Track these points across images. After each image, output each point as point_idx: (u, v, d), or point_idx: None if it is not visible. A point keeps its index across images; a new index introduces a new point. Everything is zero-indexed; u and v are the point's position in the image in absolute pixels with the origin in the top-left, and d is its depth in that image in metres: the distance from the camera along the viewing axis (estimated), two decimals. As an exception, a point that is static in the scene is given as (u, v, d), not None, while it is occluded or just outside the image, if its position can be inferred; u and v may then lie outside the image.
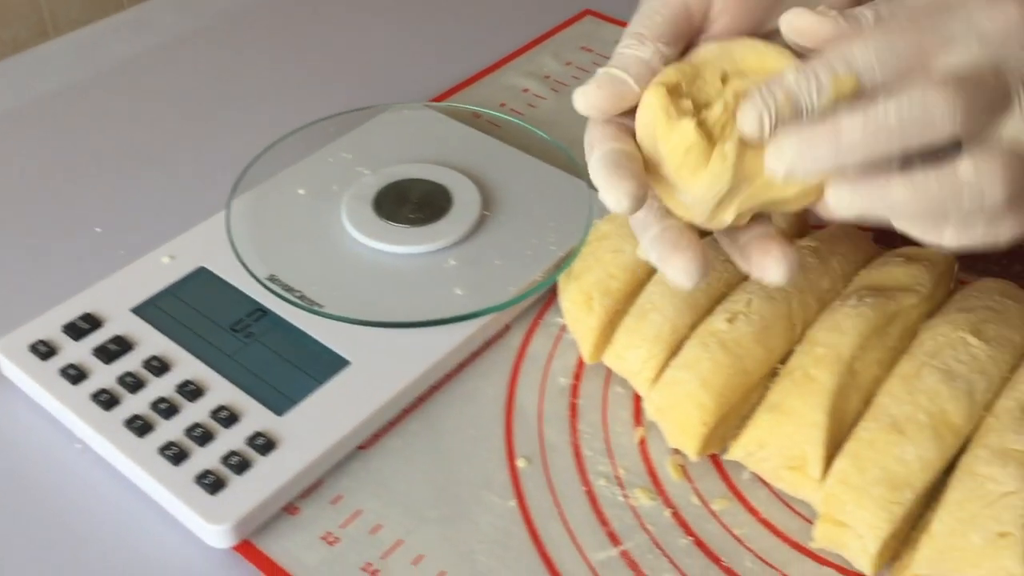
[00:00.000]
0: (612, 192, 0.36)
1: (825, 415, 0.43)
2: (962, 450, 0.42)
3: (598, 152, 0.38)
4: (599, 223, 0.54)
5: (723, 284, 0.50)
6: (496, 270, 0.53)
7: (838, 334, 0.44)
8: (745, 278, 0.50)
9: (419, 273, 0.53)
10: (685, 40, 0.40)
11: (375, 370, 0.49)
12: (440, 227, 0.55)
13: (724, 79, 0.37)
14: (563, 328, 0.53)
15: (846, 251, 0.50)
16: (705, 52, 0.39)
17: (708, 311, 0.49)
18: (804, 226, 0.54)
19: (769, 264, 0.38)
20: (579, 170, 0.59)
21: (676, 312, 0.48)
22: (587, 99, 0.38)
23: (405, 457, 0.48)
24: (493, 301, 0.51)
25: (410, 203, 0.57)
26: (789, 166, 0.34)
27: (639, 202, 0.36)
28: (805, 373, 0.44)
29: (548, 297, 0.55)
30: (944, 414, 0.42)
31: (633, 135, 0.38)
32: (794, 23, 0.36)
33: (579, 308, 0.51)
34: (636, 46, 0.39)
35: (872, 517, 0.41)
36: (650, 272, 0.51)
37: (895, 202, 0.34)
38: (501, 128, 0.65)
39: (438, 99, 0.71)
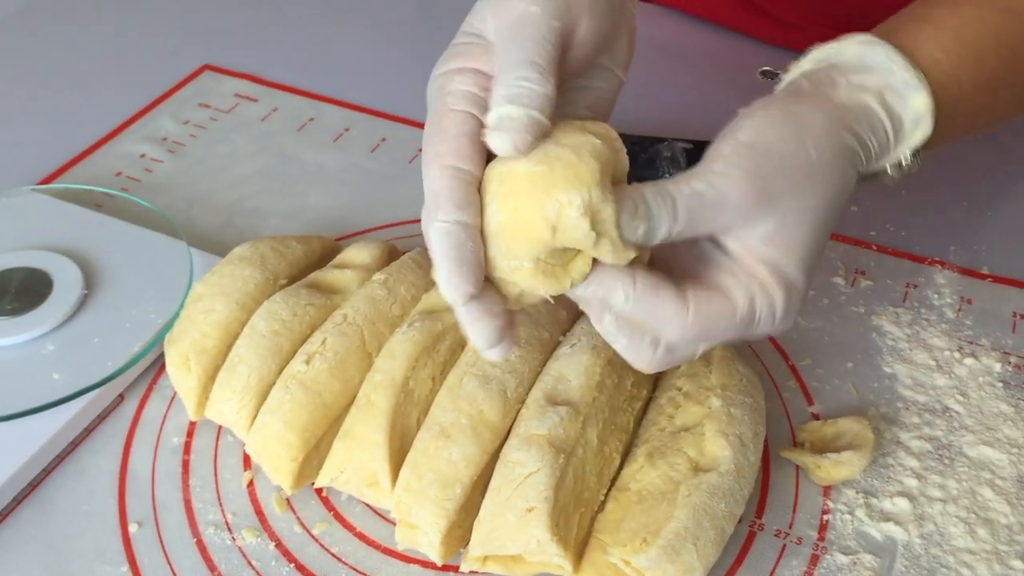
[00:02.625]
0: (451, 290, 0.39)
1: (385, 435, 0.48)
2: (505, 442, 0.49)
3: (441, 225, 0.38)
4: (196, 285, 0.57)
5: (307, 327, 0.54)
6: (95, 348, 0.55)
7: (392, 359, 0.50)
8: (326, 317, 0.55)
9: (18, 363, 0.55)
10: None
11: (-24, 469, 0.50)
12: (39, 313, 0.57)
13: None
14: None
15: (414, 279, 0.56)
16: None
17: (293, 354, 0.53)
18: (391, 261, 0.60)
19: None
20: (179, 232, 0.62)
21: (261, 361, 0.53)
22: (514, 143, 0.38)
23: (18, 547, 0.49)
24: (90, 380, 0.53)
25: (9, 294, 0.58)
26: None
27: (473, 301, 0.39)
28: (368, 399, 0.50)
29: (162, 362, 0.58)
30: (482, 415, 0.49)
31: (476, 158, 0.40)
32: None
33: (179, 370, 0.54)
34: (540, 81, 0.39)
35: (431, 515, 0.47)
36: (242, 327, 0.55)
37: None
38: (112, 200, 0.67)
39: (50, 177, 0.72)
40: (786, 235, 0.41)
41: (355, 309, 0.54)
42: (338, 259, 0.60)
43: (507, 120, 0.38)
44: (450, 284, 0.40)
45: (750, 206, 0.40)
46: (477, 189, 0.40)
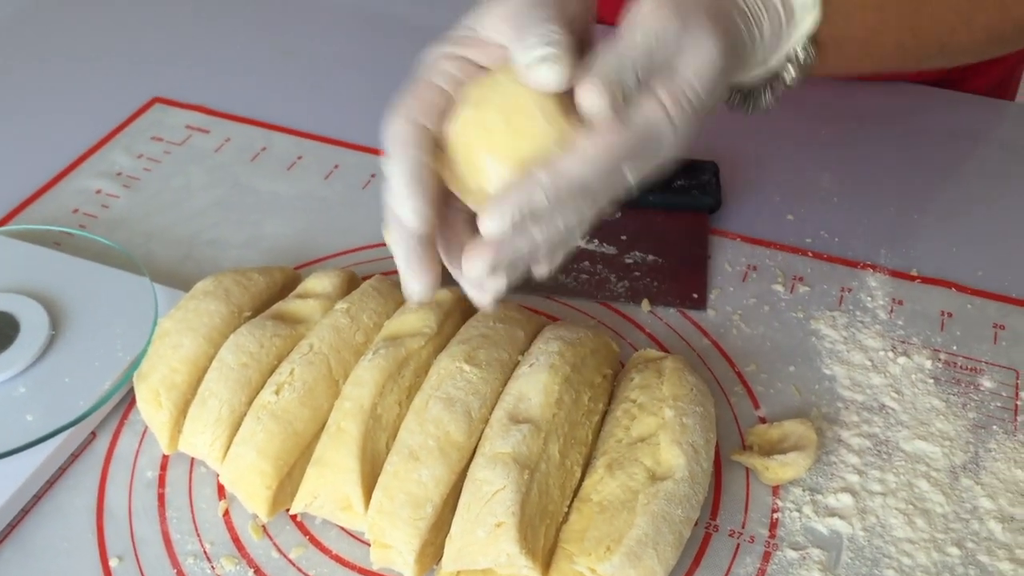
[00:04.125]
0: (407, 208, 0.44)
1: (356, 460, 0.51)
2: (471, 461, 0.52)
3: (399, 155, 0.44)
4: (162, 321, 0.59)
5: (274, 358, 0.56)
6: (66, 388, 0.57)
7: (359, 387, 0.53)
8: (292, 347, 0.57)
9: (-10, 407, 0.56)
10: None
11: (-46, 513, 0.51)
12: (7, 356, 0.58)
13: None
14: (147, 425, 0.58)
15: (376, 306, 0.59)
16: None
17: (262, 385, 0.55)
18: (352, 289, 0.62)
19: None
20: (140, 269, 0.64)
21: (231, 394, 0.54)
22: (561, 76, 0.42)
23: (-1, 587, 0.51)
24: (63, 420, 0.55)
25: (-24, 338, 0.59)
26: None
27: (427, 224, 0.44)
28: (338, 427, 0.52)
29: (131, 397, 0.59)
30: (448, 435, 0.51)
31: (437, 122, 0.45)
32: None
33: (151, 405, 0.56)
34: (565, 34, 0.43)
35: (404, 535, 0.49)
36: (210, 361, 0.56)
37: None
38: (71, 239, 0.68)
39: (6, 218, 0.73)
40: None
41: (320, 338, 0.56)
42: (300, 289, 0.62)
43: (552, 56, 0.42)
44: (406, 203, 0.44)
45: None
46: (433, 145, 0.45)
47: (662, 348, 0.64)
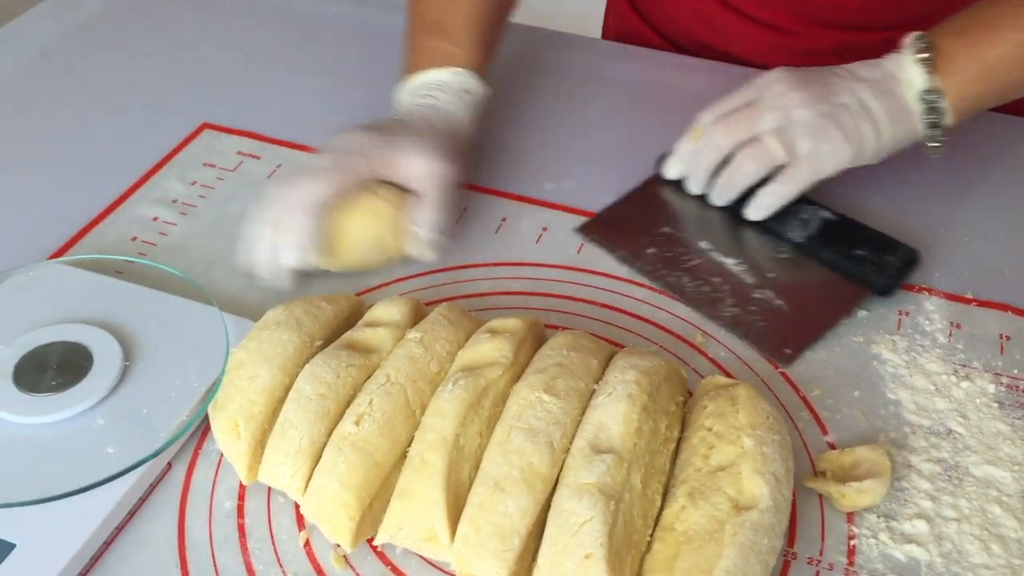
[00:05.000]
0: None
1: (442, 492, 0.51)
2: (555, 491, 0.52)
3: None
4: (234, 351, 0.59)
5: (350, 388, 0.57)
6: (144, 419, 0.57)
7: (441, 419, 0.53)
8: (368, 378, 0.57)
9: (70, 439, 0.56)
10: None
11: (42, 547, 0.52)
12: (84, 388, 0.58)
13: None
14: (222, 453, 0.59)
15: (448, 335, 0.59)
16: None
17: (340, 415, 0.56)
18: (420, 320, 0.62)
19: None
20: (208, 298, 0.64)
21: (311, 424, 0.55)
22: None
23: (88, 620, 0.51)
24: (144, 452, 0.55)
25: (51, 369, 0.59)
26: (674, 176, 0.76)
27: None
28: (422, 459, 0.52)
29: (205, 426, 0.60)
30: (532, 467, 0.51)
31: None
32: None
33: (228, 436, 0.56)
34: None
35: (492, 566, 0.49)
36: (287, 391, 0.57)
37: (719, 187, 0.74)
38: (132, 268, 0.69)
39: (65, 247, 0.73)
40: None
41: (396, 369, 0.57)
42: (368, 317, 0.63)
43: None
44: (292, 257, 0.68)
45: None
46: None
47: (725, 373, 0.64)
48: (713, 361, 0.65)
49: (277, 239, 0.67)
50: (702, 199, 0.76)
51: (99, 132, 0.86)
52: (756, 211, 0.72)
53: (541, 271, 0.72)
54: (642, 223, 0.75)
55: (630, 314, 0.69)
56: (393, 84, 0.79)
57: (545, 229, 0.76)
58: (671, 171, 0.76)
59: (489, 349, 0.57)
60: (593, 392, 0.56)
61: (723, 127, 0.71)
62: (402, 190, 0.71)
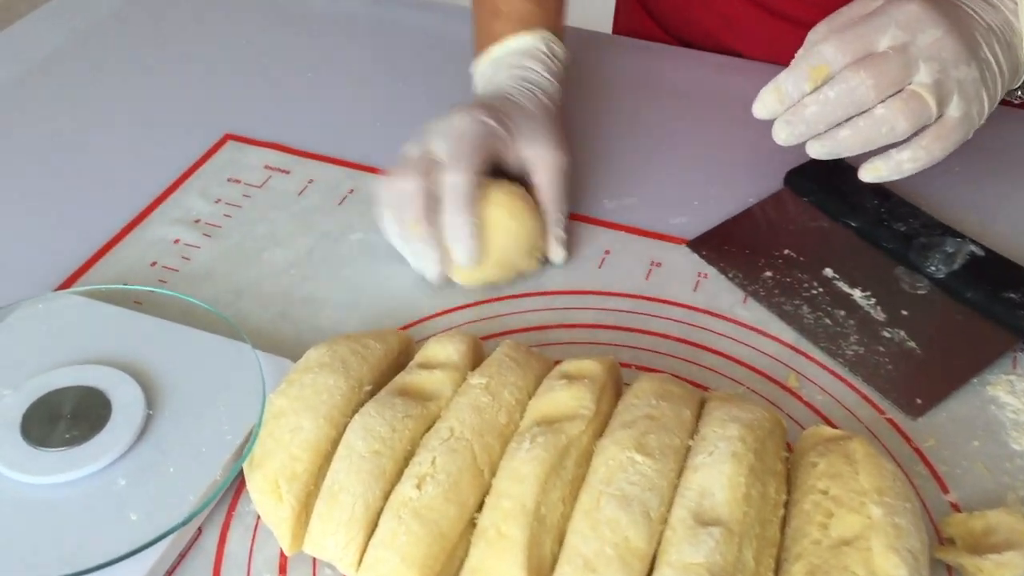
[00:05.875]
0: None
1: (523, 571, 0.44)
2: (652, 569, 0.45)
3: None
4: (272, 397, 0.52)
5: (407, 443, 0.50)
6: (171, 479, 0.50)
7: (519, 484, 0.46)
8: (426, 429, 0.50)
9: (88, 501, 0.49)
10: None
11: (54, 634, 0.44)
12: (102, 440, 0.51)
13: None
14: (259, 516, 0.51)
15: (515, 380, 0.52)
16: None
17: (397, 475, 0.48)
18: (479, 359, 0.55)
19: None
20: (240, 333, 0.57)
21: (365, 487, 0.48)
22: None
23: None
24: (173, 520, 0.48)
25: (63, 418, 0.52)
26: (784, 139, 0.61)
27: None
28: (497, 531, 0.45)
29: (238, 484, 0.53)
30: (627, 542, 0.44)
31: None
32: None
33: (268, 498, 0.49)
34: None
35: (584, 661, 0.42)
36: (335, 445, 0.50)
37: (842, 140, 0.60)
38: (152, 298, 0.62)
39: (79, 272, 0.66)
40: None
41: (460, 421, 0.49)
42: (421, 357, 0.55)
43: (565, 243, 0.67)
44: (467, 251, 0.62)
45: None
46: None
47: (826, 422, 0.57)
48: (809, 406, 0.58)
49: (444, 241, 0.62)
50: (833, 219, 0.69)
51: (111, 145, 0.78)
52: (889, 170, 0.61)
53: (606, 300, 0.65)
54: (760, 242, 0.68)
55: (710, 350, 0.61)
56: (432, 86, 0.72)
57: (608, 252, 0.68)
58: (764, 109, 0.61)
59: (567, 398, 0.50)
60: (688, 449, 0.49)
61: (869, 74, 0.58)
62: (511, 180, 0.65)
